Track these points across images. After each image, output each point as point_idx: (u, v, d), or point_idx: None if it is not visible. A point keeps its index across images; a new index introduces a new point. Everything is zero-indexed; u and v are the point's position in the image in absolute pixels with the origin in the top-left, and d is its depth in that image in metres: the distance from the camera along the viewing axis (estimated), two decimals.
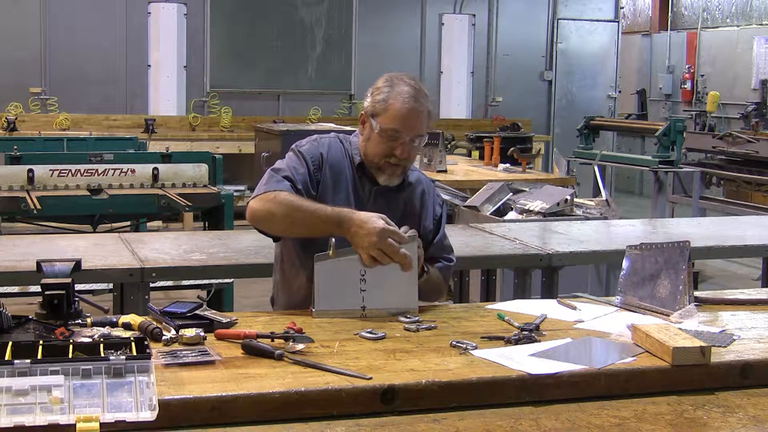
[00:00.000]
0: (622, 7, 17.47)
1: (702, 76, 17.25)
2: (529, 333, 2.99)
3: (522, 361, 2.70)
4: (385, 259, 3.20)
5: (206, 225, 7.32)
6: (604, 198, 7.44)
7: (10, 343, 2.41)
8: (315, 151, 3.55)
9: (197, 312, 3.01)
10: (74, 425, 2.16)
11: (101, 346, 2.45)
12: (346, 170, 3.57)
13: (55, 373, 2.23)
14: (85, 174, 7.01)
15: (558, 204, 6.46)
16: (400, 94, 3.44)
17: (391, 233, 3.20)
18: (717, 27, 17.39)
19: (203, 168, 7.34)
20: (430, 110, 3.53)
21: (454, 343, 2.87)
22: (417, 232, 3.37)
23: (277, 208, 3.35)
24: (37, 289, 2.98)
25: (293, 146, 3.61)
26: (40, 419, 2.15)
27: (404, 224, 3.40)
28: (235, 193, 7.88)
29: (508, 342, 2.92)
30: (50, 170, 6.93)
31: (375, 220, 3.22)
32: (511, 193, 6.82)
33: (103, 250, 4.54)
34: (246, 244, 4.71)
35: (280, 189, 3.39)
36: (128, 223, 7.96)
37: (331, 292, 3.26)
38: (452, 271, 3.80)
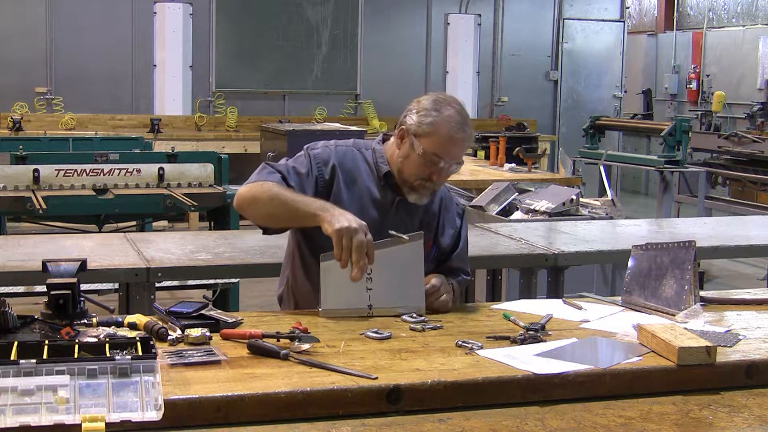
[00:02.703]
0: (628, 7, 17.47)
1: (707, 75, 17.23)
2: (535, 333, 2.99)
3: (528, 360, 2.70)
4: (344, 246, 3.09)
5: (212, 225, 7.33)
6: (609, 198, 7.44)
7: (16, 343, 2.42)
8: (326, 156, 3.50)
9: (203, 312, 3.01)
10: (80, 425, 2.16)
11: (107, 345, 2.45)
12: (364, 179, 3.51)
13: (60, 373, 2.23)
14: (90, 174, 7.03)
15: (564, 204, 6.46)
16: (447, 121, 3.37)
17: (365, 232, 3.12)
18: (722, 27, 17.37)
19: (209, 168, 7.35)
20: (472, 136, 3.50)
21: (460, 342, 2.87)
22: (423, 233, 3.36)
23: (261, 193, 3.35)
24: (43, 288, 2.99)
25: (306, 146, 3.57)
26: (46, 419, 2.16)
27: (424, 234, 3.40)
28: None
29: (514, 342, 2.92)
30: (56, 170, 6.95)
31: (355, 217, 3.17)
32: (516, 193, 6.82)
33: (108, 249, 4.55)
34: (252, 244, 4.71)
35: (269, 179, 3.38)
36: (134, 222, 7.97)
37: (338, 291, 3.25)
38: (465, 284, 3.75)
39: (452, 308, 3.39)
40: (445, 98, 3.46)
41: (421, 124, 3.39)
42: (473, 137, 3.51)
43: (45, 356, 2.35)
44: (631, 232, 5.59)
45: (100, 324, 2.89)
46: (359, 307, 3.25)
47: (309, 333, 2.85)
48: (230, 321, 2.97)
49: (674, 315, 3.29)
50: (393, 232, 3.30)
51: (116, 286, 4.75)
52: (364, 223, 3.15)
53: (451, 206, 3.69)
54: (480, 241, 5.05)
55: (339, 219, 3.13)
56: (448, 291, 3.39)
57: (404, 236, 3.28)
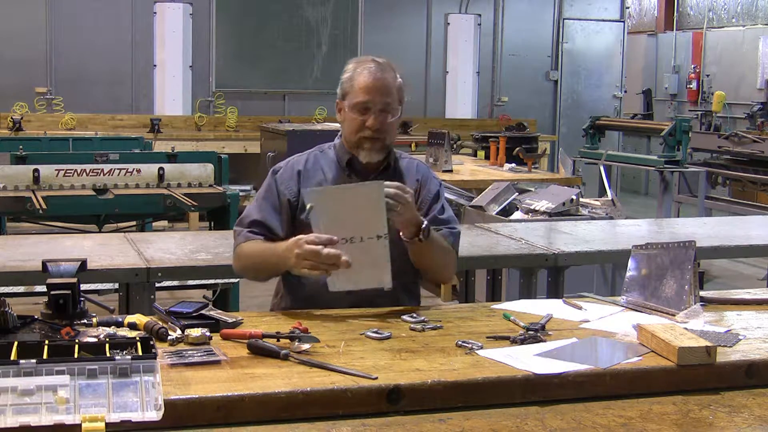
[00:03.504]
0: (628, 7, 17.45)
1: (707, 75, 17.23)
2: (535, 333, 2.99)
3: (527, 361, 2.70)
4: (317, 267, 3.19)
5: (212, 225, 7.33)
6: (609, 198, 7.43)
7: (16, 343, 2.42)
8: (289, 171, 3.60)
9: (203, 312, 3.01)
10: (80, 425, 2.16)
11: (107, 345, 2.45)
12: (329, 175, 3.58)
13: (60, 373, 2.23)
14: (90, 174, 7.02)
15: (564, 204, 6.46)
16: (364, 68, 3.52)
17: (306, 241, 3.20)
18: (722, 27, 17.37)
19: (209, 168, 7.35)
20: (400, 82, 3.55)
21: (460, 342, 2.87)
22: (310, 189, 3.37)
23: (243, 264, 3.57)
24: (43, 288, 2.99)
25: (272, 170, 3.68)
26: (46, 419, 2.16)
27: None
28: (241, 193, 7.89)
29: (514, 342, 2.92)
30: (56, 170, 6.94)
31: (291, 239, 3.27)
32: (516, 193, 6.82)
33: (108, 249, 4.55)
34: None
35: (240, 242, 3.54)
36: (134, 222, 7.97)
37: (365, 271, 3.26)
38: (458, 237, 3.70)
39: (400, 222, 3.37)
40: (364, 57, 3.62)
41: (342, 84, 3.56)
42: (402, 84, 3.56)
43: (45, 356, 2.35)
44: (631, 232, 5.59)
45: (100, 324, 2.89)
46: (384, 252, 3.24)
47: (309, 333, 2.85)
48: (230, 321, 2.97)
49: (674, 315, 3.29)
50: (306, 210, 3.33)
51: (116, 286, 4.74)
52: (293, 239, 3.26)
53: (429, 182, 3.69)
54: (480, 241, 5.05)
55: (287, 259, 3.26)
56: (404, 202, 3.31)
57: (308, 206, 3.27)
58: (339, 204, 3.27)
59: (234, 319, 2.99)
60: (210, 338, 2.82)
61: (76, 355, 2.39)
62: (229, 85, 13.90)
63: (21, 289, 5.33)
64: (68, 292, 2.88)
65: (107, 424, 2.17)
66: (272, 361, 2.65)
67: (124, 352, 2.40)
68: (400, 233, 3.41)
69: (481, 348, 2.82)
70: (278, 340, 2.78)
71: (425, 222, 3.42)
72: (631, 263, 3.54)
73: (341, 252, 3.17)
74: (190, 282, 5.73)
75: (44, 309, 2.88)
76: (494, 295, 5.67)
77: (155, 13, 13.51)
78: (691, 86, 17.43)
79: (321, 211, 3.25)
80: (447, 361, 2.71)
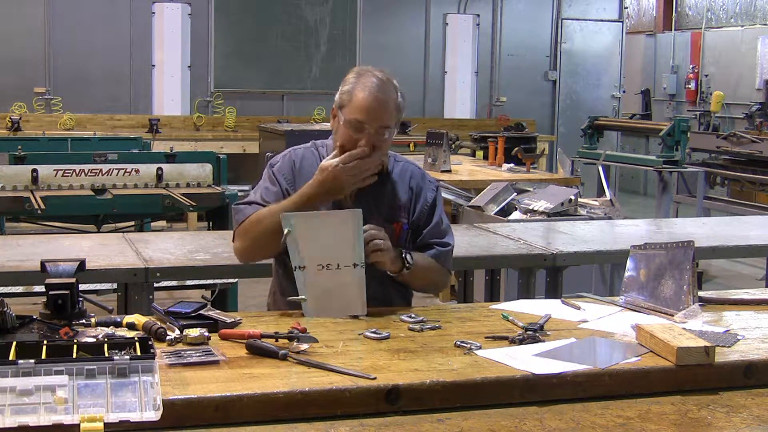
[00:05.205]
0: (627, 7, 17.46)
1: (706, 76, 17.23)
2: (534, 333, 2.99)
3: (526, 361, 2.70)
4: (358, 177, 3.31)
5: (210, 225, 7.34)
6: (608, 198, 7.43)
7: (15, 343, 2.42)
8: (286, 164, 3.57)
9: (201, 312, 3.01)
10: (78, 425, 2.16)
11: (105, 346, 2.45)
12: None
13: (59, 373, 2.23)
14: (89, 174, 7.03)
15: (562, 204, 6.46)
16: (365, 85, 3.41)
17: (342, 162, 3.31)
18: (721, 27, 17.37)
19: (207, 168, 7.36)
20: (400, 102, 3.47)
21: (459, 343, 2.87)
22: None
23: (250, 226, 3.42)
24: (42, 289, 2.98)
25: (269, 163, 3.64)
26: (44, 419, 2.16)
27: (392, 217, 3.46)
28: (240, 193, 7.88)
29: (513, 342, 2.92)
30: (54, 170, 6.95)
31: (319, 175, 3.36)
32: (515, 193, 6.81)
33: (107, 250, 4.55)
34: None
35: (246, 216, 3.45)
36: (132, 223, 7.98)
37: (338, 297, 3.24)
38: (450, 254, 3.67)
39: (386, 261, 3.35)
40: (368, 68, 3.51)
41: (341, 95, 3.47)
42: (402, 104, 3.50)
43: (44, 356, 2.35)
44: (629, 232, 5.59)
45: (98, 324, 2.89)
46: (360, 280, 3.22)
47: (307, 333, 2.84)
48: (229, 321, 2.97)
49: (673, 315, 3.29)
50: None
51: (115, 286, 4.75)
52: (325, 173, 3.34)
53: (424, 184, 3.64)
54: (478, 241, 5.05)
55: (314, 182, 3.34)
56: (383, 239, 3.32)
57: (285, 230, 3.22)
58: (315, 230, 3.24)
59: (233, 320, 2.99)
60: (208, 338, 2.81)
61: (74, 355, 2.39)
62: (227, 85, 13.91)
63: (20, 289, 5.33)
64: (67, 292, 2.87)
65: (106, 425, 2.17)
66: (271, 361, 2.65)
67: (123, 352, 2.40)
68: (388, 271, 3.41)
69: (480, 348, 2.82)
70: (277, 340, 2.77)
71: (405, 252, 3.41)
72: (629, 263, 3.54)
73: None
74: (189, 282, 5.74)
75: (43, 309, 2.88)
76: (493, 295, 5.67)
77: (154, 13, 13.52)
78: (690, 86, 17.43)
79: (298, 236, 3.22)
80: (445, 361, 2.71)
